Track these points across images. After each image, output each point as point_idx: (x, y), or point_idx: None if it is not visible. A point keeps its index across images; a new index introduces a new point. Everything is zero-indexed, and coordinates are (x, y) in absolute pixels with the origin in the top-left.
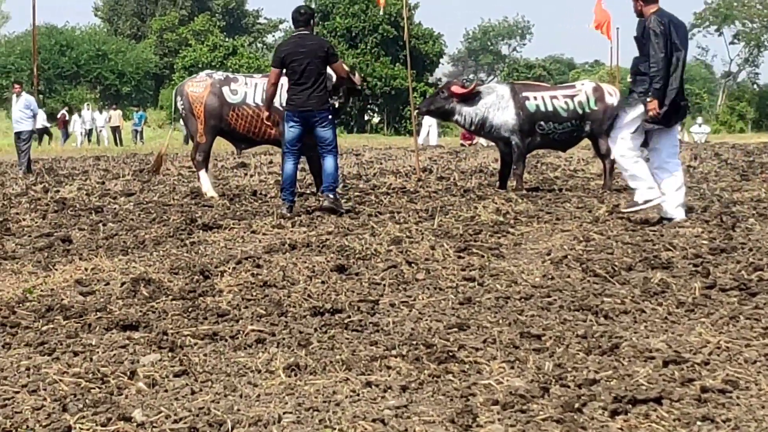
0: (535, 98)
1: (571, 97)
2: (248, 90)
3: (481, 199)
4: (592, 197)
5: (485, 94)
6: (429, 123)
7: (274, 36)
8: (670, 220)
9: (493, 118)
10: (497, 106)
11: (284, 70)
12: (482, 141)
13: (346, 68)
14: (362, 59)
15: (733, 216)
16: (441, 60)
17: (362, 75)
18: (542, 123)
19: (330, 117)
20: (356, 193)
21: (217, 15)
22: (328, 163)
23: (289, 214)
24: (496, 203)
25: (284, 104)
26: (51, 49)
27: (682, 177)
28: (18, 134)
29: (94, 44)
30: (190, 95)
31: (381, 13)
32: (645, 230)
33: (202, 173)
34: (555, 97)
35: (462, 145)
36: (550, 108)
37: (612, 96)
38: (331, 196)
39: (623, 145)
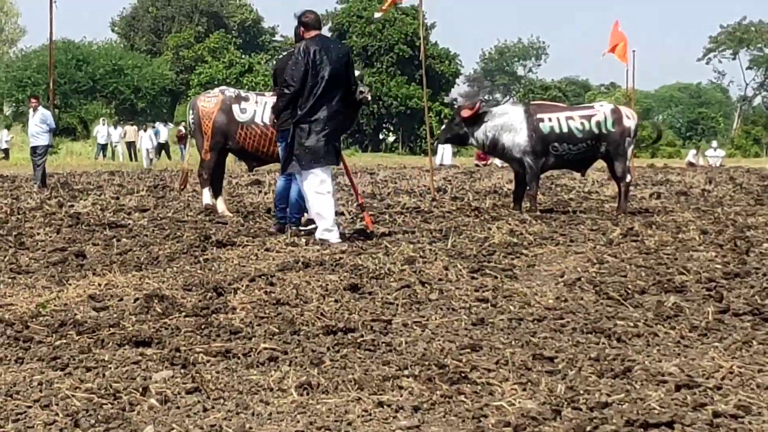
0: (550, 120)
1: (588, 117)
2: (257, 109)
3: (495, 220)
4: (606, 219)
5: (498, 115)
6: (443, 144)
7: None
8: (325, 241)
9: (505, 140)
10: (509, 128)
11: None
12: (497, 162)
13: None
14: (378, 78)
15: (747, 240)
16: (457, 80)
17: (371, 88)
18: (556, 144)
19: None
20: (370, 213)
21: (233, 32)
22: (294, 190)
23: (276, 233)
24: (510, 224)
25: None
26: (67, 63)
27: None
28: (34, 148)
29: (111, 59)
30: (200, 110)
31: (376, 15)
32: (659, 254)
33: (205, 190)
34: (571, 117)
35: (477, 165)
36: (565, 129)
37: (630, 119)
38: (294, 228)
39: (314, 180)
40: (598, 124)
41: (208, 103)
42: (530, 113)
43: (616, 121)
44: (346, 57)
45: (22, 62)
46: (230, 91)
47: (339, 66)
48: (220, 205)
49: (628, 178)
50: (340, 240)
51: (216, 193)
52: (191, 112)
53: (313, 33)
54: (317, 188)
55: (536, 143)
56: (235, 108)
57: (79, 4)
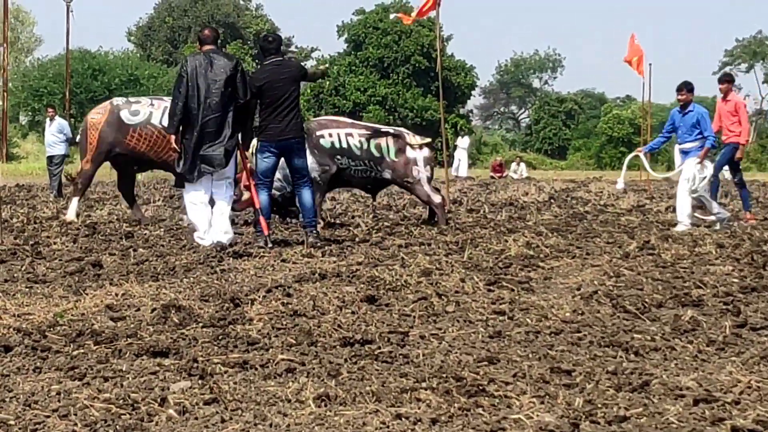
0: (330, 135)
1: (368, 138)
2: (154, 111)
3: (512, 233)
4: (622, 232)
5: None
6: (459, 156)
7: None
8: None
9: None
10: None
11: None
12: (512, 174)
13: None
14: (394, 90)
15: (764, 254)
16: (473, 92)
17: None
18: (338, 158)
19: (306, 145)
20: (386, 224)
21: (249, 43)
22: (305, 196)
23: (266, 247)
24: (526, 237)
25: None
26: (83, 73)
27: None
28: (50, 158)
29: (127, 69)
30: (88, 122)
31: (392, 17)
32: (675, 267)
33: (75, 199)
34: (350, 135)
35: (492, 177)
36: (344, 145)
37: (415, 150)
38: (314, 232)
39: (191, 192)
40: (378, 147)
41: (97, 114)
42: (309, 132)
43: (399, 150)
44: (232, 71)
45: (38, 72)
46: (119, 100)
47: (219, 80)
48: (71, 212)
49: (437, 198)
50: (212, 243)
51: (130, 202)
52: (82, 126)
53: (206, 47)
54: (192, 199)
55: (321, 158)
56: (125, 113)
57: (95, 14)
